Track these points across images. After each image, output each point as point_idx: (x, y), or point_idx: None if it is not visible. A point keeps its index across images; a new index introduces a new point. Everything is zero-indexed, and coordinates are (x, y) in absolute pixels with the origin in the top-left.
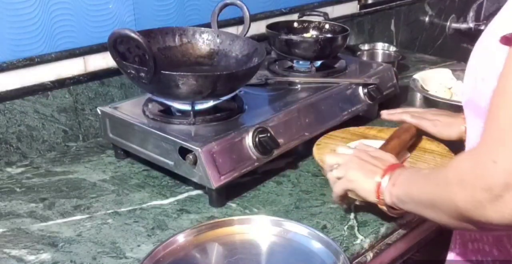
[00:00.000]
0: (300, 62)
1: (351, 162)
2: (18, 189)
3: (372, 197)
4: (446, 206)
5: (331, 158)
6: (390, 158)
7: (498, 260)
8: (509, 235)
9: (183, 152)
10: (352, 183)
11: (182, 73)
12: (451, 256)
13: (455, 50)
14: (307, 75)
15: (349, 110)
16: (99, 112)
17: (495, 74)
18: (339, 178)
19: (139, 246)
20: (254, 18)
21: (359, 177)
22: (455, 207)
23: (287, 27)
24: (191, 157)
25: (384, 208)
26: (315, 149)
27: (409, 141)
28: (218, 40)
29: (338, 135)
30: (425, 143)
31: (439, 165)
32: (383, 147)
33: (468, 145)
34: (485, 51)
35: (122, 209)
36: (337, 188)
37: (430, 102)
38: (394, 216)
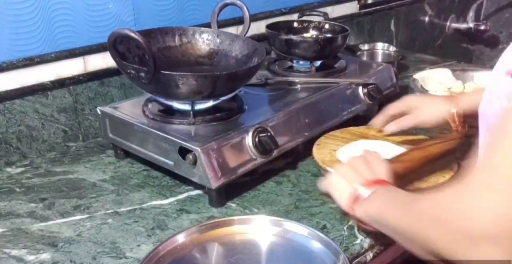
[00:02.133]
0: (300, 62)
1: (342, 165)
2: (18, 189)
3: (344, 206)
4: (421, 241)
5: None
6: (382, 170)
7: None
8: None
9: (183, 152)
10: (330, 186)
11: (182, 73)
12: None
13: (455, 50)
14: (307, 75)
15: (349, 110)
16: (99, 112)
17: (508, 96)
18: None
19: (139, 246)
20: (254, 18)
21: (339, 182)
22: (431, 244)
23: (287, 27)
24: (191, 157)
25: (354, 220)
26: (315, 149)
27: (427, 159)
28: (218, 40)
29: (338, 135)
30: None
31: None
32: (394, 160)
33: (480, 153)
34: (506, 68)
35: (122, 209)
36: (320, 185)
37: None
38: (364, 228)
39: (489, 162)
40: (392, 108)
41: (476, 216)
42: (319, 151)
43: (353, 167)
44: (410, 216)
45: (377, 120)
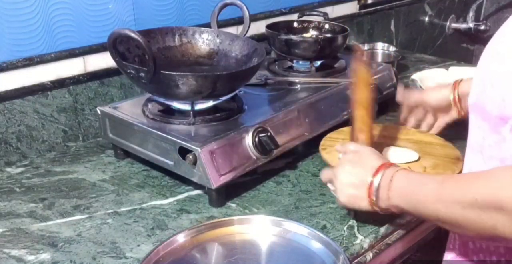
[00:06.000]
0: (300, 62)
1: (340, 172)
2: (18, 189)
3: (367, 208)
4: (476, 228)
5: (324, 173)
6: (374, 160)
7: (505, 260)
8: None
9: (183, 152)
10: (345, 199)
11: (181, 73)
12: (450, 256)
13: (454, 50)
14: (307, 75)
15: (349, 110)
16: (99, 112)
17: (506, 80)
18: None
19: (139, 246)
20: (254, 18)
21: (349, 192)
22: (491, 230)
23: (287, 27)
24: (190, 157)
25: (377, 209)
26: (324, 154)
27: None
28: (218, 40)
29: (337, 136)
30: (420, 136)
31: (443, 160)
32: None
33: (470, 145)
34: (497, 56)
35: (122, 209)
36: (339, 200)
37: None
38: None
39: None
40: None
41: None
42: (328, 155)
43: (350, 169)
44: (451, 206)
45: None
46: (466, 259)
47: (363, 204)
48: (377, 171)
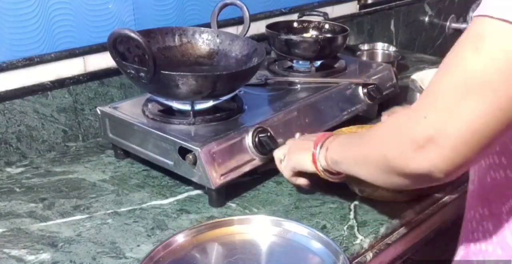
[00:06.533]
0: (300, 62)
1: (290, 147)
2: (17, 189)
3: (311, 168)
4: (376, 158)
5: (277, 152)
6: (319, 135)
7: (502, 260)
8: None
9: (183, 152)
10: (293, 161)
11: (181, 73)
12: (458, 255)
13: None
14: (307, 75)
15: (349, 110)
16: (99, 112)
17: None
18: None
19: (138, 246)
20: (254, 18)
21: (297, 154)
22: (383, 158)
23: (287, 27)
24: (190, 157)
25: (322, 174)
26: None
27: None
28: (218, 40)
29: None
30: None
31: None
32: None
33: None
34: None
35: (122, 209)
36: (285, 173)
37: None
38: (336, 181)
39: (437, 85)
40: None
41: (422, 125)
42: None
43: (298, 144)
44: (367, 141)
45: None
46: (466, 260)
47: (307, 159)
48: (323, 136)
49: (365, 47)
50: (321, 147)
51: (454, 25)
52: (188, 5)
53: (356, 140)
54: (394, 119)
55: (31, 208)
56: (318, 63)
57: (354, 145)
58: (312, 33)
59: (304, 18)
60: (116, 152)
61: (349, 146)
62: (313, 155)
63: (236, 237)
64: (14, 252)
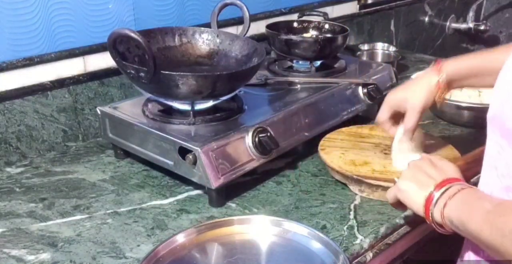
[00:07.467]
0: (300, 62)
1: (408, 170)
2: (17, 189)
3: (420, 211)
4: (508, 256)
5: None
6: (452, 170)
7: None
8: None
9: (183, 152)
10: (402, 193)
11: (181, 73)
12: (464, 256)
13: (454, 50)
14: (307, 75)
15: (349, 110)
16: (99, 112)
17: None
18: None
19: (138, 246)
20: (254, 18)
21: (410, 187)
22: None
23: (287, 27)
24: (190, 157)
25: (433, 225)
26: (322, 154)
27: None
28: (218, 40)
29: (336, 137)
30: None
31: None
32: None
33: (486, 159)
34: None
35: (122, 209)
36: (388, 195)
37: None
38: (444, 233)
39: None
40: (381, 115)
41: None
42: (327, 156)
43: (421, 170)
44: (493, 229)
45: (386, 129)
46: (481, 258)
47: (418, 201)
48: (447, 181)
49: (365, 47)
50: (441, 194)
51: (454, 25)
52: (188, 5)
53: (482, 218)
54: None
55: (31, 208)
56: (318, 63)
57: (480, 225)
58: (312, 33)
59: (304, 18)
60: (116, 152)
61: (475, 220)
62: (428, 201)
63: (236, 237)
64: (14, 252)
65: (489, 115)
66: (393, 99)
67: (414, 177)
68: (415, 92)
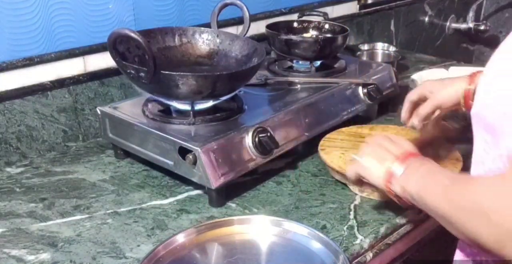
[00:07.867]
0: (300, 62)
1: (367, 146)
2: (17, 189)
3: (381, 185)
4: (463, 230)
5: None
6: (408, 145)
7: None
8: None
9: (183, 152)
10: (363, 169)
11: (182, 73)
12: (458, 256)
13: (454, 50)
14: (307, 75)
15: (349, 110)
16: (99, 112)
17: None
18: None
19: (138, 246)
20: (254, 18)
21: (371, 163)
22: (473, 236)
23: (287, 27)
24: (190, 157)
25: (393, 198)
26: (322, 154)
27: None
28: (218, 40)
29: (336, 137)
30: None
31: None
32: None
33: (475, 157)
34: (509, 65)
35: (122, 209)
36: (348, 172)
37: None
38: (402, 206)
39: None
40: (411, 95)
41: None
42: (327, 156)
43: (380, 146)
44: (451, 203)
45: (403, 113)
46: (471, 259)
47: (379, 175)
48: (407, 156)
49: (365, 47)
50: (403, 169)
51: (454, 25)
52: (188, 5)
53: (441, 192)
54: (486, 192)
55: (31, 208)
56: (318, 63)
57: (439, 198)
58: (312, 33)
59: (304, 18)
60: (116, 152)
61: (433, 194)
62: (389, 175)
63: (236, 237)
64: (14, 252)
65: (473, 112)
66: (429, 84)
67: (374, 152)
68: (445, 88)
